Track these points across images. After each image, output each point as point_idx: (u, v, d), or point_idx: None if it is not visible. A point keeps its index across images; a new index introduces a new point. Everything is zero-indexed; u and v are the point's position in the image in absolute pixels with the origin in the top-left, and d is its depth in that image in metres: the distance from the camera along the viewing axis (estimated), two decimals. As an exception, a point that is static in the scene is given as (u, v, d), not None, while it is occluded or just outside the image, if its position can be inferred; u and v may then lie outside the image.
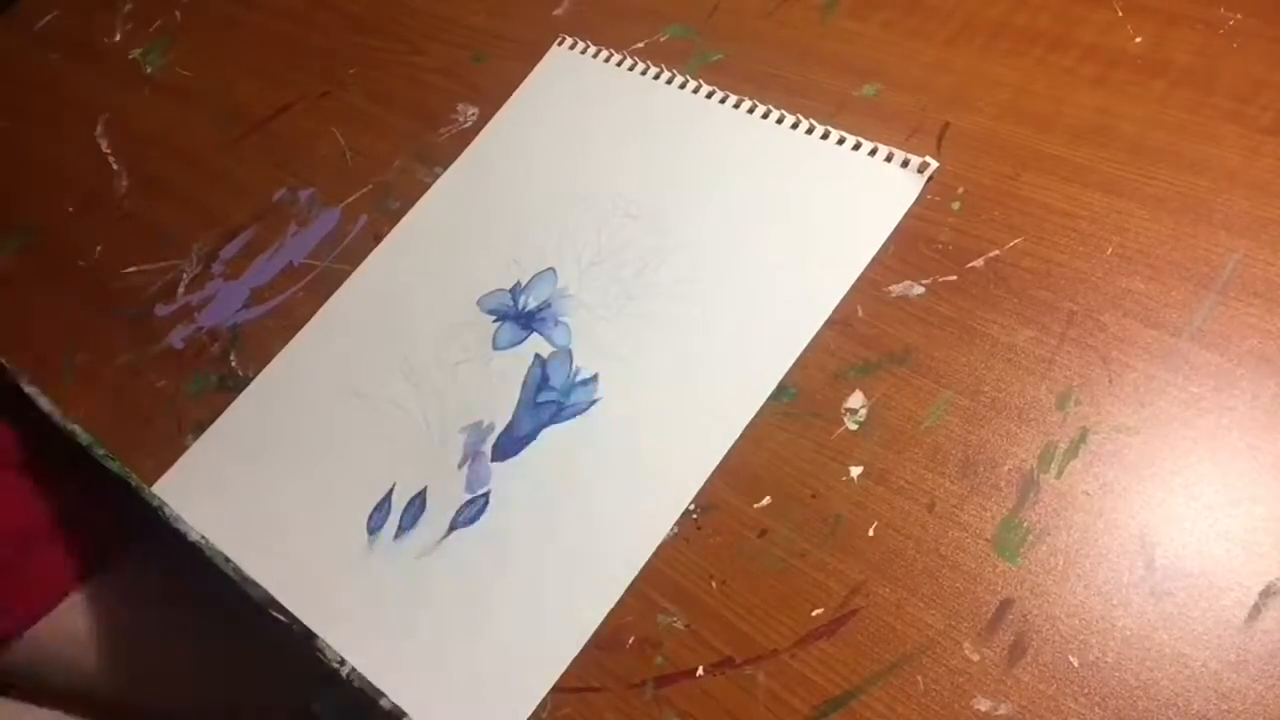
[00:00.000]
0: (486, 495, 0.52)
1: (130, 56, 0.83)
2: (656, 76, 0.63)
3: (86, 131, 0.79)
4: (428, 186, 0.65)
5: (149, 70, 0.81)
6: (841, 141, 0.56)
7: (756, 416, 0.49)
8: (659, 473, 0.49)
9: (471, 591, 0.49)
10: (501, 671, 0.47)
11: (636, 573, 0.47)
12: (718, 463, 0.49)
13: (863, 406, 0.48)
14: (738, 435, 0.49)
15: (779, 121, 0.58)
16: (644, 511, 0.49)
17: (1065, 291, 0.49)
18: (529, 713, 0.45)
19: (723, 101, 0.60)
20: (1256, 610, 0.40)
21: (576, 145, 0.63)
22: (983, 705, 0.40)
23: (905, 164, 0.54)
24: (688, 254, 0.56)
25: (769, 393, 0.50)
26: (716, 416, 0.50)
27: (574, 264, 0.58)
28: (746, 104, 0.60)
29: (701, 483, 0.48)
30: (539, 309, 0.57)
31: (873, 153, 0.55)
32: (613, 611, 0.46)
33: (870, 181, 0.55)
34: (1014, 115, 0.55)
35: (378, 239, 0.63)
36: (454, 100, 0.68)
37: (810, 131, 0.57)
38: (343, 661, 0.49)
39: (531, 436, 0.52)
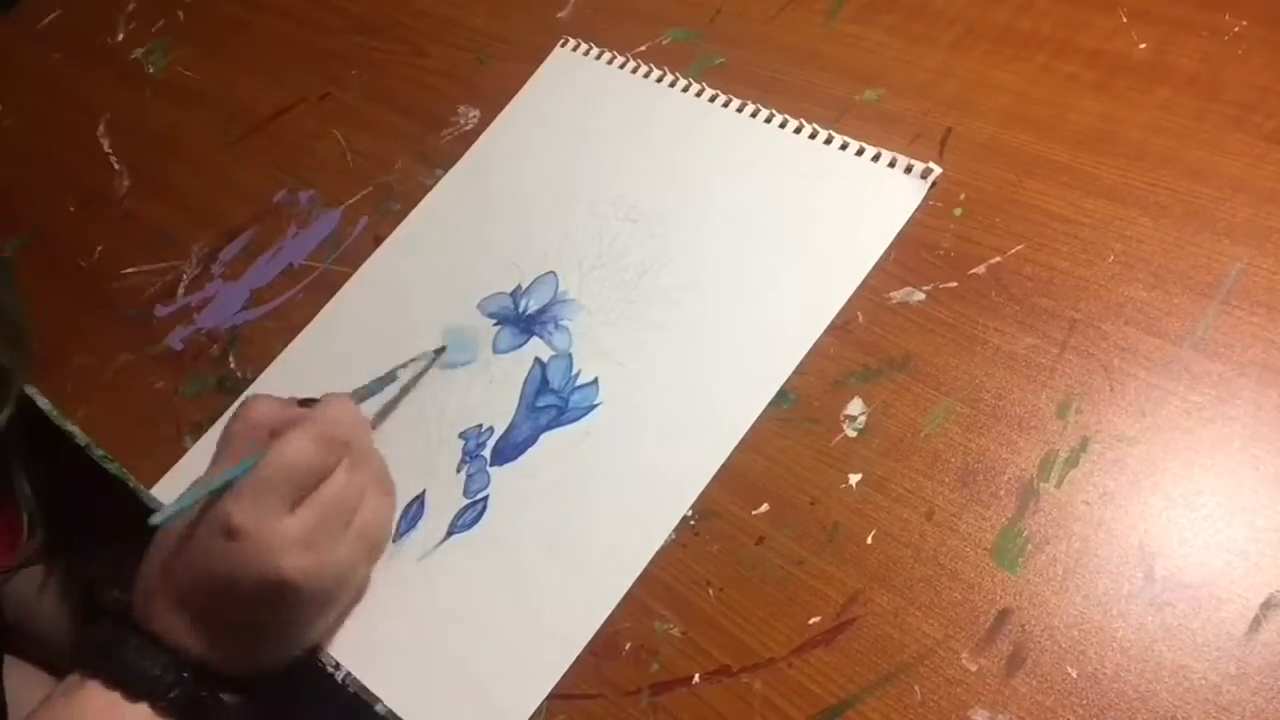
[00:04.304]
0: (485, 500, 0.51)
1: (132, 56, 0.83)
2: (659, 79, 0.63)
3: (88, 131, 0.79)
4: (429, 189, 0.64)
5: (151, 70, 0.81)
6: (844, 147, 0.56)
7: (755, 423, 0.49)
8: (658, 478, 0.49)
9: (469, 596, 0.49)
10: (498, 677, 0.46)
11: (634, 579, 0.47)
12: (717, 469, 0.48)
13: (862, 413, 0.48)
14: (738, 441, 0.49)
15: (781, 126, 0.58)
16: (643, 517, 0.48)
17: (1067, 299, 0.48)
18: (525, 718, 0.45)
19: (725, 105, 0.60)
20: (1257, 622, 0.39)
21: (578, 148, 0.63)
22: (980, 716, 0.40)
23: (908, 170, 0.54)
24: (689, 258, 0.56)
25: (769, 399, 0.49)
26: (716, 422, 0.50)
27: (575, 267, 0.58)
28: (749, 108, 0.60)
29: (701, 489, 0.48)
30: (539, 312, 0.57)
31: (875, 158, 0.55)
32: (609, 618, 0.46)
33: (873, 187, 0.54)
34: (1017, 121, 0.54)
35: (378, 241, 0.63)
36: (456, 102, 0.68)
37: (813, 136, 0.57)
38: (338, 666, 0.49)
39: (531, 441, 0.52)
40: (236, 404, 0.50)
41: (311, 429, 0.47)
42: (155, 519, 0.44)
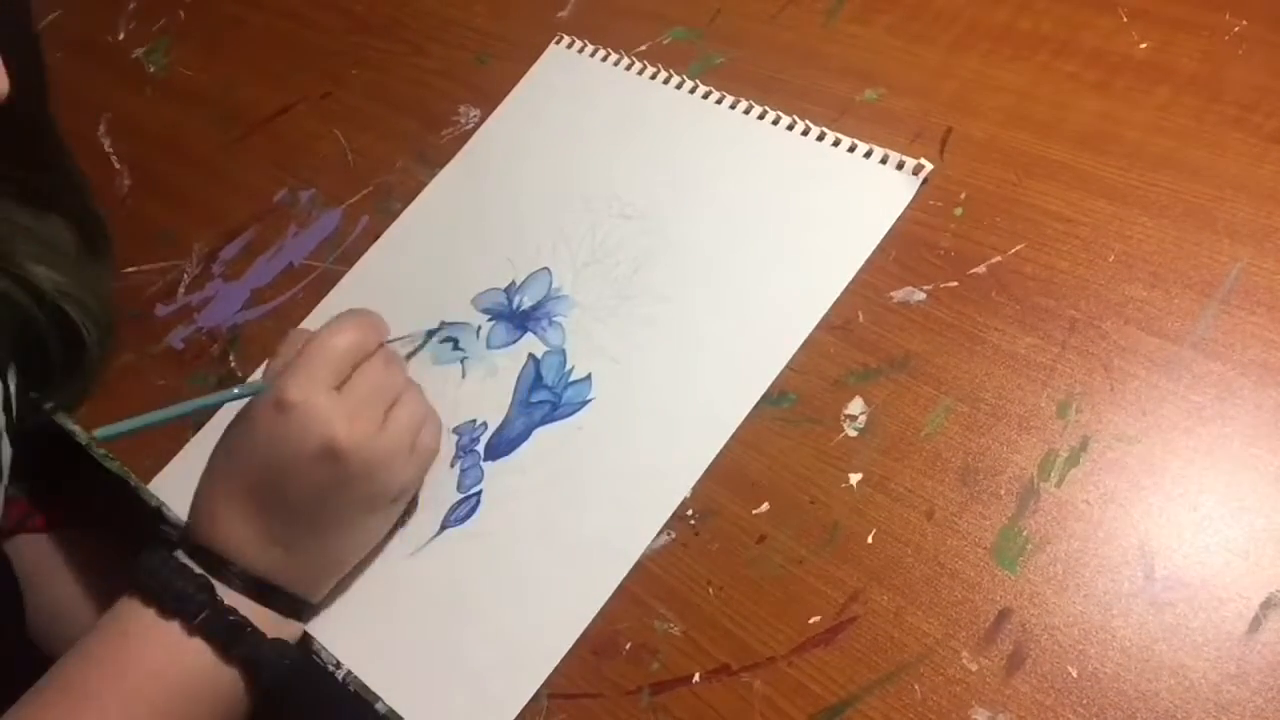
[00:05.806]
0: (478, 495, 0.51)
1: (133, 56, 0.83)
2: (653, 77, 0.63)
3: (89, 131, 0.78)
4: (429, 188, 0.64)
5: (152, 70, 0.81)
6: (837, 144, 0.56)
7: (756, 422, 0.49)
8: (651, 473, 0.49)
9: (462, 591, 0.49)
10: (492, 670, 0.47)
11: (626, 573, 0.47)
12: (709, 463, 0.48)
13: (863, 413, 0.48)
14: (730, 436, 0.49)
15: (775, 123, 0.58)
16: (636, 512, 0.48)
17: (1067, 298, 0.48)
18: (517, 711, 0.45)
19: (719, 103, 0.60)
20: (1257, 622, 0.39)
21: (573, 145, 0.63)
22: (980, 715, 0.40)
23: (900, 166, 0.54)
24: (682, 255, 0.56)
25: (762, 393, 0.50)
26: (709, 417, 0.50)
27: (569, 264, 0.58)
28: (742, 105, 0.60)
29: (693, 483, 0.48)
30: (533, 308, 0.57)
31: (868, 155, 0.55)
32: (609, 617, 0.46)
33: (865, 184, 0.54)
34: (1017, 121, 0.55)
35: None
36: (456, 102, 0.68)
37: (805, 134, 0.57)
38: (339, 665, 0.49)
39: (524, 436, 0.52)
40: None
41: (349, 318, 0.50)
42: (101, 432, 0.46)
